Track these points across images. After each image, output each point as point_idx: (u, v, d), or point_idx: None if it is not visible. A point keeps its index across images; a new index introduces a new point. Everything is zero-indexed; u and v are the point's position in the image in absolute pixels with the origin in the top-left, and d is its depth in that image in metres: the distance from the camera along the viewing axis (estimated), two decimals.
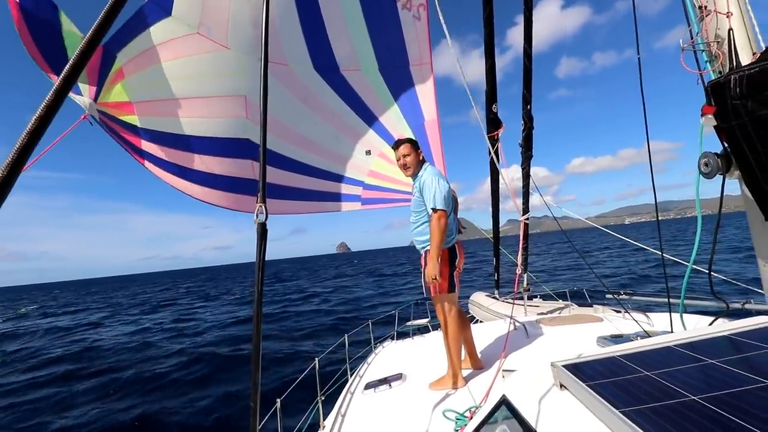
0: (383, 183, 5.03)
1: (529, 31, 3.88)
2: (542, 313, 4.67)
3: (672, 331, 2.36)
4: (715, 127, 1.79)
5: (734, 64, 1.71)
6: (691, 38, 1.90)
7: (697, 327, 1.66)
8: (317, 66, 4.31)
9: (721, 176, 1.77)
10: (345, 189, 5.05)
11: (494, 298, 5.77)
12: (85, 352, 12.19)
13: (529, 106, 4.18)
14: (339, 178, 4.98)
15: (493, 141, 4.60)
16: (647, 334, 2.59)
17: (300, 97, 4.40)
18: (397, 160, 2.83)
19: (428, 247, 2.67)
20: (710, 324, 1.95)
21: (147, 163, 4.27)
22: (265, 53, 1.77)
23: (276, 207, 4.79)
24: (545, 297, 5.86)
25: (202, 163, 4.32)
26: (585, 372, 1.33)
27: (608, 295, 5.13)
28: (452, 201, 2.81)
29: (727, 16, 1.78)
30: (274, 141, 4.43)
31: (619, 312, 4.08)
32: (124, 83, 3.70)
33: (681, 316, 2.15)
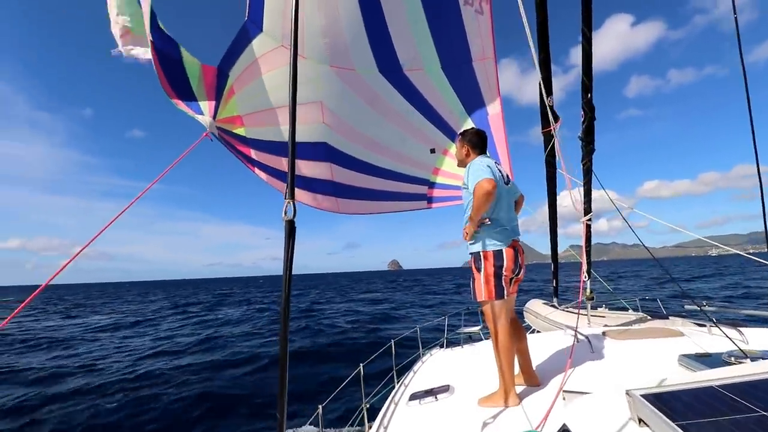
0: (449, 180, 4.87)
1: (589, 12, 3.45)
2: (608, 325, 4.15)
3: None
4: None
5: None
6: None
7: None
8: (381, 68, 4.25)
9: None
10: (412, 188, 4.98)
11: (553, 306, 5.25)
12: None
13: (589, 95, 3.70)
14: (405, 178, 4.92)
15: (549, 137, 4.22)
16: (744, 354, 2.10)
17: (367, 100, 4.39)
18: None
19: (473, 251, 2.38)
20: None
21: (256, 170, 4.50)
22: (295, 47, 1.64)
23: (349, 207, 4.95)
24: (613, 308, 5.26)
25: (296, 167, 4.52)
26: (672, 405, 1.00)
27: (688, 306, 4.45)
28: (508, 194, 2.48)
29: None
30: (344, 143, 4.53)
31: (703, 326, 3.48)
32: (235, 99, 3.95)
33: None
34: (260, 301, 31.99)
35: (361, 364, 3.32)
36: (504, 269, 2.29)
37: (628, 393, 1.08)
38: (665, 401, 1.00)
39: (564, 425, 1.18)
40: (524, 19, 3.43)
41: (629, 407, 1.08)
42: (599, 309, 4.94)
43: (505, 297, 2.31)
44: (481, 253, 2.33)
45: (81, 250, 2.06)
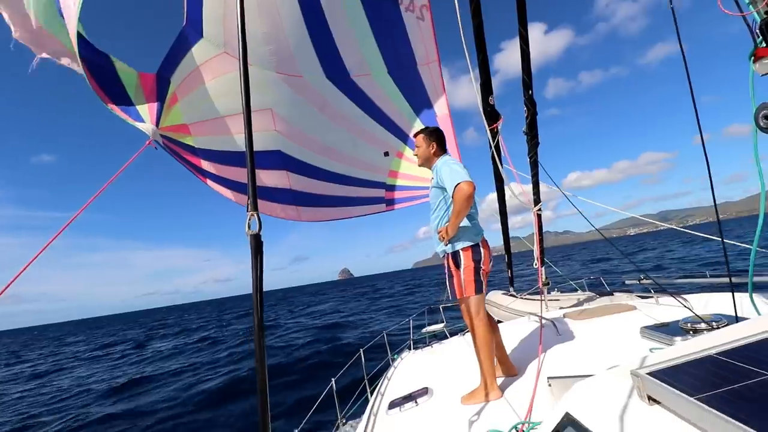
0: (404, 182, 4.93)
1: (524, 14, 3.63)
2: (564, 307, 4.35)
3: (736, 317, 2.04)
4: None
5: None
6: None
7: None
8: (329, 75, 4.22)
9: None
10: (368, 192, 4.98)
11: (512, 296, 5.44)
12: None
13: (530, 91, 3.89)
14: (362, 182, 4.91)
15: (493, 134, 4.38)
16: (701, 319, 2.27)
17: (317, 106, 4.33)
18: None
19: (449, 251, 2.35)
20: None
21: (209, 182, 4.28)
22: (244, 52, 1.50)
23: (310, 215, 4.88)
24: (562, 289, 5.55)
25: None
26: (682, 380, 1.01)
27: (628, 281, 4.80)
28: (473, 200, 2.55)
29: None
30: (298, 149, 4.45)
31: (649, 297, 3.74)
32: (179, 106, 3.73)
33: (751, 296, 1.82)
34: (203, 327, 29.19)
35: (333, 380, 3.15)
36: (482, 263, 2.30)
37: (634, 374, 1.08)
38: (673, 376, 1.01)
39: (566, 413, 1.15)
40: (459, 24, 3.50)
41: (636, 387, 1.08)
42: (552, 293, 5.19)
43: (484, 291, 2.32)
44: (460, 251, 2.32)
45: (5, 288, 1.74)
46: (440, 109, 4.66)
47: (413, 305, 21.41)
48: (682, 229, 3.36)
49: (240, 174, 4.27)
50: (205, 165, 4.17)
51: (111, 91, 3.50)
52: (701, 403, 0.85)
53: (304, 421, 2.74)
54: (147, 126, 3.62)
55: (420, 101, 4.63)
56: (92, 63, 3.32)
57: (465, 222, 2.31)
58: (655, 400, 1.01)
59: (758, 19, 1.53)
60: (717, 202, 1.88)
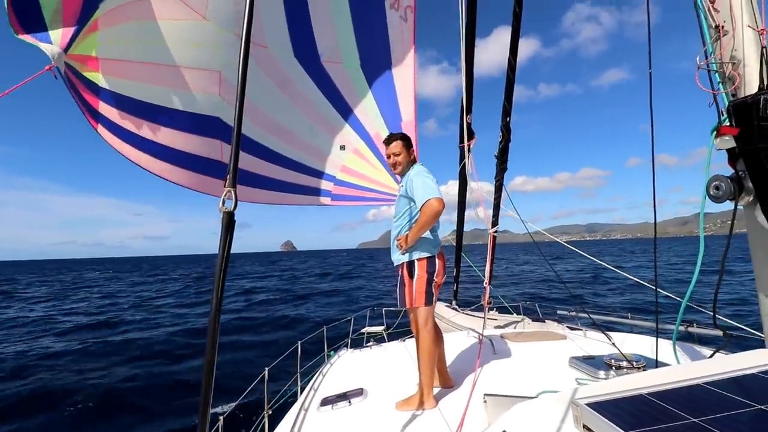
0: (355, 180, 4.82)
1: (516, 41, 3.75)
2: (500, 326, 4.59)
3: (656, 361, 2.27)
4: (729, 150, 1.73)
5: (765, 84, 1.60)
6: (706, 57, 1.84)
7: (701, 360, 1.54)
8: (298, 54, 4.05)
9: (731, 201, 1.71)
10: (316, 183, 4.80)
11: (454, 309, 5.65)
12: None
13: (508, 118, 4.05)
14: (310, 171, 4.71)
15: (464, 152, 4.51)
16: (624, 357, 2.52)
17: (277, 83, 4.12)
18: (387, 158, 2.59)
19: (404, 260, 2.38)
20: (710, 357, 1.85)
21: (100, 128, 3.80)
22: (247, 32, 1.45)
23: (244, 194, 4.51)
24: (500, 310, 5.86)
25: (165, 136, 3.89)
26: (617, 414, 1.13)
27: (560, 311, 5.18)
28: None
29: (761, 32, 1.65)
30: (248, 125, 4.10)
31: (579, 329, 4.07)
32: (96, 36, 3.31)
33: (674, 345, 2.04)
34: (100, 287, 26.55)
35: (266, 369, 3.12)
36: (435, 275, 2.37)
37: (573, 403, 1.19)
38: (608, 409, 1.12)
39: None
40: (462, 36, 3.55)
41: (574, 415, 1.19)
42: (491, 312, 5.45)
43: (434, 303, 2.39)
44: (415, 261, 2.36)
45: None
46: (407, 115, 4.65)
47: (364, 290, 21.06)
48: (557, 240, 3.64)
49: (147, 128, 3.86)
50: (104, 108, 3.72)
51: (26, 15, 3.09)
52: None
53: (229, 409, 2.68)
54: (52, 48, 3.21)
55: (387, 102, 4.59)
56: None
57: (425, 234, 2.36)
58: (589, 429, 1.12)
59: (726, 101, 1.73)
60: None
